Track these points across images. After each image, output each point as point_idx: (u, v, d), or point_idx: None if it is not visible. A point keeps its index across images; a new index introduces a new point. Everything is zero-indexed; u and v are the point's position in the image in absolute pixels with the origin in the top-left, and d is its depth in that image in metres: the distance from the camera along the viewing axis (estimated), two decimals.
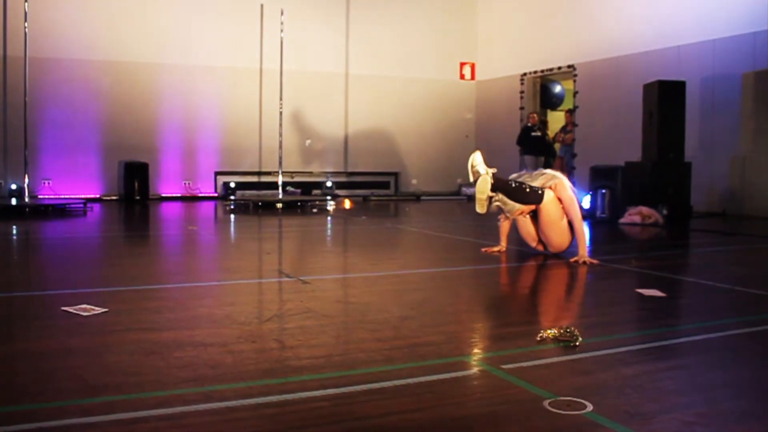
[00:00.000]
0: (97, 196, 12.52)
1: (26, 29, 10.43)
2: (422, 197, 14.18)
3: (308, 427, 2.11)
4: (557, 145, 14.11)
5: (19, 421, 2.10)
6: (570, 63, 13.33)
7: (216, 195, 13.45)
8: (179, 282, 4.79)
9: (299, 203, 11.75)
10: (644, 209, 8.75)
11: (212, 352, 2.86)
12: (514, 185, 5.57)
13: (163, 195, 13.07)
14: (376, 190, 14.66)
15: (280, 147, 12.38)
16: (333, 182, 14.13)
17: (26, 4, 10.37)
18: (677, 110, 9.54)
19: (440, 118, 15.42)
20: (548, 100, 15.40)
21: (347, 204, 12.45)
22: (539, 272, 5.51)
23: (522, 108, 14.56)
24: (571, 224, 5.56)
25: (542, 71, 14.25)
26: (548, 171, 5.84)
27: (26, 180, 10.49)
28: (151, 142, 12.98)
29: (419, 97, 15.17)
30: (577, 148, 13.25)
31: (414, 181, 15.11)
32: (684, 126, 9.61)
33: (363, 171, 14.80)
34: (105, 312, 3.52)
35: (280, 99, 12.34)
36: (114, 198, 12.60)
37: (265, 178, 13.68)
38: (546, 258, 5.84)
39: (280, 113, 12.34)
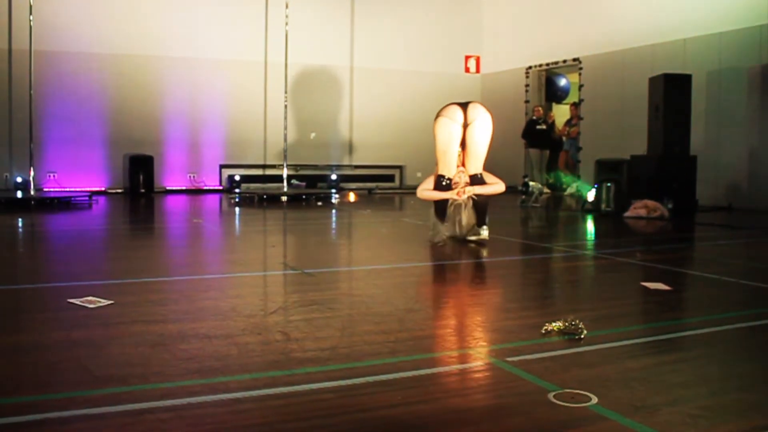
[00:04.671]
0: (103, 189, 12.54)
1: (31, 22, 10.43)
2: None
3: (313, 418, 2.11)
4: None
5: (25, 412, 2.11)
6: (575, 56, 13.28)
7: (221, 188, 13.46)
8: (184, 274, 4.80)
9: (304, 196, 11.76)
10: (649, 203, 8.72)
11: (217, 344, 2.87)
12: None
13: (168, 188, 13.09)
14: (381, 183, 14.66)
15: (285, 140, 12.38)
16: (338, 175, 14.12)
17: None
18: (683, 104, 9.50)
19: None
20: (553, 94, 15.35)
21: (352, 197, 12.45)
22: (543, 265, 5.51)
23: (527, 101, 14.53)
24: None
25: (547, 64, 14.21)
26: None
27: (31, 173, 10.50)
28: (156, 135, 12.99)
29: (424, 90, 15.12)
30: (583, 141, 13.21)
31: (419, 174, 15.06)
32: (690, 119, 9.57)
33: (368, 164, 14.79)
34: (111, 304, 3.53)
35: (285, 92, 12.33)
36: (119, 191, 12.62)
37: (269, 171, 13.67)
38: (550, 251, 5.83)
39: (285, 106, 12.33)
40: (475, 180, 6.00)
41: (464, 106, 6.02)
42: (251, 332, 3.05)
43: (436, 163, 6.13)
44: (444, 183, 6.00)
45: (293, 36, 12.54)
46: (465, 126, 5.93)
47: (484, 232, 5.98)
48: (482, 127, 5.94)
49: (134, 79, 12.74)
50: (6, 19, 11.79)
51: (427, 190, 6.05)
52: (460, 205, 5.92)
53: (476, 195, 5.91)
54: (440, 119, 5.97)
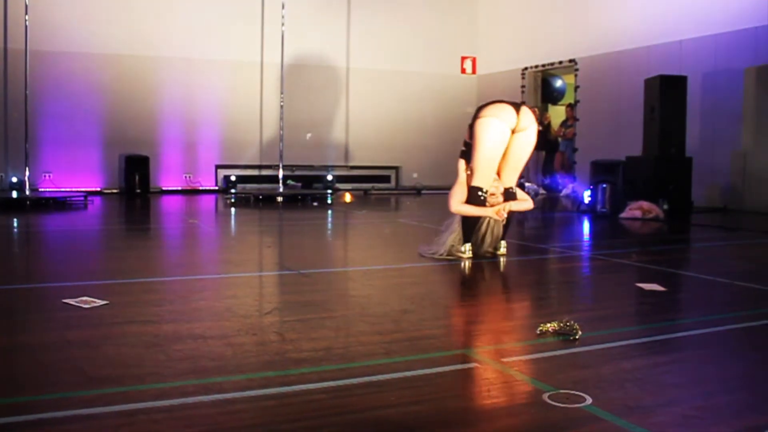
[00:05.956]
0: (98, 189, 12.51)
1: (27, 22, 10.41)
2: (423, 191, 14.17)
3: (308, 419, 2.11)
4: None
5: (19, 413, 2.10)
6: (571, 57, 13.30)
7: (217, 188, 13.45)
8: (180, 275, 4.80)
9: (300, 197, 11.76)
10: (645, 204, 8.74)
11: (212, 344, 2.87)
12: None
13: (164, 188, 13.07)
14: (377, 184, 14.65)
15: (281, 140, 12.38)
16: (334, 176, 14.12)
17: None
18: (678, 105, 9.53)
19: (441, 112, 15.39)
20: (549, 95, 15.37)
21: (348, 198, 12.44)
22: (539, 266, 5.52)
23: (523, 102, 14.54)
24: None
25: (543, 65, 14.22)
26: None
27: (27, 173, 10.48)
28: (152, 135, 12.97)
29: (420, 91, 15.14)
30: (578, 142, 13.24)
31: (415, 175, 15.10)
32: (685, 121, 9.60)
33: (364, 165, 14.79)
34: (106, 304, 3.52)
35: (281, 92, 12.33)
36: (115, 191, 12.60)
37: (265, 172, 13.67)
38: (547, 252, 5.84)
39: (281, 106, 12.33)
40: (509, 195, 5.34)
41: (516, 107, 5.22)
42: (246, 333, 3.05)
43: (467, 169, 5.37)
44: (481, 197, 5.22)
45: (289, 36, 12.54)
46: (513, 131, 5.18)
47: (503, 248, 5.41)
48: (532, 139, 5.28)
49: (130, 79, 12.71)
50: (1, 19, 11.77)
51: (462, 204, 5.27)
52: (492, 222, 5.28)
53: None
54: (488, 119, 5.14)
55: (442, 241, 5.37)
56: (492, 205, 5.29)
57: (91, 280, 4.34)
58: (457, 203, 5.29)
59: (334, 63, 14.49)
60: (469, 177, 5.32)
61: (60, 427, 2.02)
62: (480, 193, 5.21)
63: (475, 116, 5.27)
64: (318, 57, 14.22)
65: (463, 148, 5.42)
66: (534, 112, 5.35)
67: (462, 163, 5.42)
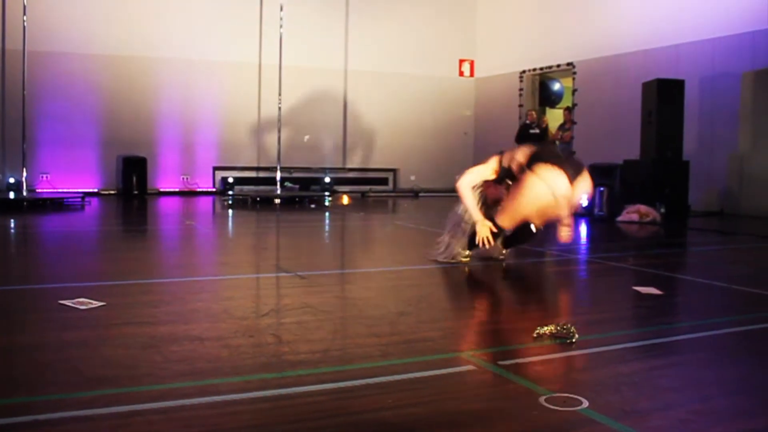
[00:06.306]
0: (96, 190, 12.50)
1: (25, 23, 10.40)
2: (420, 194, 14.17)
3: (304, 421, 2.11)
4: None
5: (15, 414, 2.10)
6: (569, 61, 13.32)
7: (214, 190, 13.44)
8: (177, 276, 4.79)
9: (297, 199, 11.75)
10: (642, 207, 8.75)
11: (209, 346, 2.87)
12: None
13: (162, 190, 13.06)
14: (375, 186, 14.66)
15: (279, 142, 12.38)
16: (331, 178, 14.12)
17: None
18: (676, 109, 9.55)
19: (439, 115, 15.42)
20: (547, 98, 15.38)
21: (345, 200, 12.44)
22: (536, 269, 5.52)
23: (521, 105, 14.56)
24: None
25: (541, 69, 14.24)
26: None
27: (24, 174, 10.47)
28: (150, 136, 12.96)
29: (418, 94, 15.15)
30: (576, 145, 13.24)
31: (412, 178, 15.11)
32: (682, 124, 9.62)
33: (361, 167, 14.80)
34: (102, 305, 3.52)
35: (279, 94, 12.33)
36: (112, 192, 12.59)
37: (263, 174, 13.67)
38: (543, 255, 5.85)
39: (279, 109, 12.33)
40: (527, 231, 5.14)
41: (574, 176, 4.95)
42: (243, 334, 3.05)
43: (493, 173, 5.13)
44: (498, 233, 5.08)
45: (288, 39, 12.54)
46: (560, 197, 4.88)
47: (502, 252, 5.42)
48: (575, 204, 5.17)
49: (128, 80, 12.71)
50: None
51: (469, 189, 5.06)
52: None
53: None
54: (539, 183, 4.83)
55: (448, 244, 5.31)
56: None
57: (88, 282, 4.33)
58: (467, 185, 5.09)
59: (332, 65, 14.49)
60: (500, 211, 5.10)
61: (57, 428, 2.02)
62: (500, 230, 5.07)
63: (534, 161, 4.91)
64: (316, 59, 14.22)
65: (505, 165, 5.08)
66: (587, 171, 5.17)
67: (495, 160, 5.14)
